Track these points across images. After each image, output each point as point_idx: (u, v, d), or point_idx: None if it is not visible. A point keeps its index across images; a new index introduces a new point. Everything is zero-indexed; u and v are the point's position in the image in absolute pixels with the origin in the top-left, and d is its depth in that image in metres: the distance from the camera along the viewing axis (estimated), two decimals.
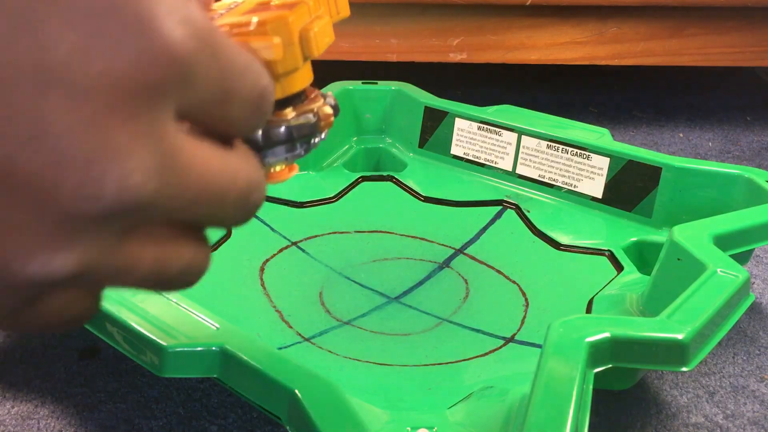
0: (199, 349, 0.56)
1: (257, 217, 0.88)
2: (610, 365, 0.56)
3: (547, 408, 0.49)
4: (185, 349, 0.56)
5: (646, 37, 1.18)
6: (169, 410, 0.69)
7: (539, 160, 0.92)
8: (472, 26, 1.17)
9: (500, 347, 0.71)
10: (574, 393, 0.50)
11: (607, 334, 0.55)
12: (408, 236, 0.87)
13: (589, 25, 1.17)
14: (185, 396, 0.70)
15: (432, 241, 0.86)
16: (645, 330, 0.56)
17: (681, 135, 1.26)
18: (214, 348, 0.56)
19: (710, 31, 1.18)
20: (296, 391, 0.52)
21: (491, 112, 0.97)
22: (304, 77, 0.40)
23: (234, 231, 0.86)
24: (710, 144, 1.24)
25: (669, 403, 0.71)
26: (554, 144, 0.91)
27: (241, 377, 0.56)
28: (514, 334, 0.73)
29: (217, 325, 0.58)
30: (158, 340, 0.56)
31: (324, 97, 0.43)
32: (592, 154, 0.89)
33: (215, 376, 0.57)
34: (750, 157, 1.19)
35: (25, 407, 0.69)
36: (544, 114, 0.97)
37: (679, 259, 0.68)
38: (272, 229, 0.87)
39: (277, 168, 0.41)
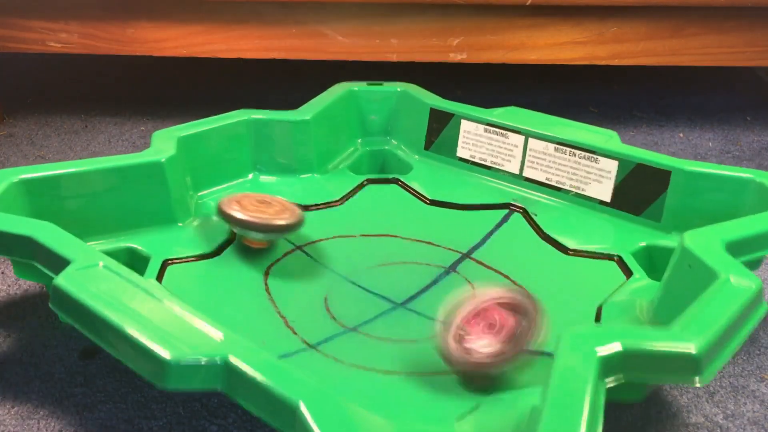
0: (202, 362, 0.55)
1: None
2: (622, 378, 0.56)
3: (558, 422, 0.49)
4: (188, 362, 0.55)
5: (646, 37, 1.18)
6: (169, 410, 0.69)
7: (546, 162, 0.92)
8: (472, 26, 1.17)
9: None
10: (586, 407, 0.50)
11: (618, 347, 0.55)
12: (414, 240, 0.87)
13: (589, 25, 1.17)
14: (185, 396, 0.70)
15: (438, 245, 0.86)
16: (657, 343, 0.56)
17: (681, 135, 1.26)
18: (217, 360, 0.55)
19: (710, 31, 1.18)
20: (301, 404, 0.52)
21: (497, 114, 0.97)
22: None
23: (238, 235, 0.85)
24: (710, 144, 1.24)
25: (669, 403, 0.71)
26: (562, 146, 0.91)
27: (245, 390, 0.55)
28: None
29: (221, 335, 0.57)
30: (161, 353, 0.55)
31: None
32: (600, 157, 0.89)
33: (219, 389, 0.56)
34: (750, 157, 1.19)
35: (25, 407, 0.69)
36: (551, 116, 0.97)
37: (690, 266, 0.68)
38: None
39: None
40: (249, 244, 0.82)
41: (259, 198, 0.83)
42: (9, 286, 0.85)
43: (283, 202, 0.84)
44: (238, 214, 0.79)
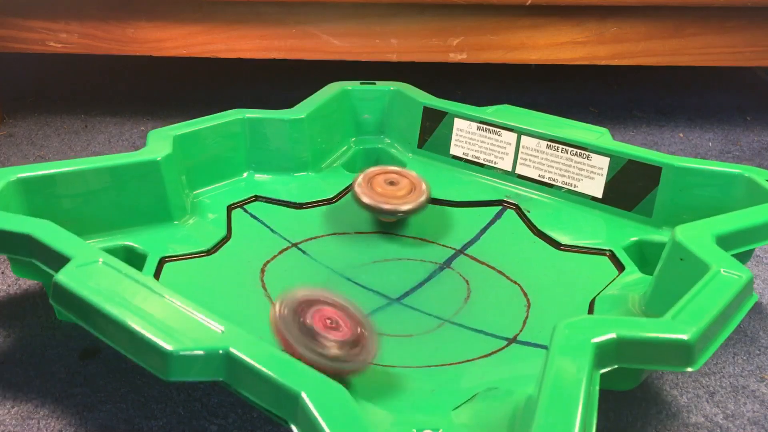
0: (204, 352, 0.56)
1: (257, 219, 0.88)
2: (616, 366, 0.56)
3: (554, 410, 0.49)
4: (191, 353, 0.56)
5: (646, 37, 1.18)
6: (169, 410, 0.69)
7: (539, 160, 0.92)
8: (472, 26, 1.17)
9: (503, 348, 0.71)
10: (582, 394, 0.50)
11: (613, 335, 0.55)
12: (408, 237, 0.87)
13: (589, 25, 1.17)
14: (185, 396, 0.70)
15: (432, 242, 0.86)
16: (650, 331, 0.56)
17: (681, 135, 1.26)
18: (219, 351, 0.56)
19: (710, 31, 1.18)
20: (303, 394, 0.52)
21: (490, 112, 0.97)
22: None
23: (234, 233, 0.86)
24: (710, 144, 1.24)
25: (669, 403, 0.71)
26: (554, 144, 0.91)
27: (247, 380, 0.55)
28: (517, 335, 0.72)
29: (222, 328, 0.58)
30: (163, 345, 0.56)
31: None
32: (591, 154, 0.89)
33: (221, 379, 0.56)
34: (750, 157, 1.19)
35: (25, 407, 0.69)
36: (543, 114, 0.97)
37: (681, 259, 0.68)
38: (272, 230, 0.87)
39: None
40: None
41: (388, 178, 0.89)
42: (9, 285, 0.85)
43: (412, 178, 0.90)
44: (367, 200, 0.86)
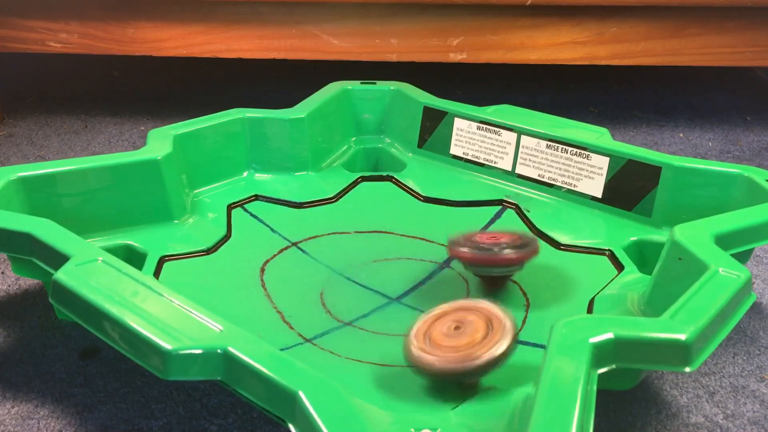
0: (203, 351, 0.56)
1: (257, 218, 0.88)
2: (614, 366, 0.56)
3: (552, 409, 0.49)
4: (189, 352, 0.56)
5: (646, 37, 1.18)
6: (169, 410, 0.69)
7: (539, 159, 0.92)
8: (472, 26, 1.17)
9: None
10: (579, 394, 0.50)
11: (610, 335, 0.55)
12: (408, 236, 0.87)
13: (589, 25, 1.17)
14: (185, 396, 0.70)
15: (432, 241, 0.86)
16: (648, 330, 0.56)
17: (681, 135, 1.26)
18: (218, 350, 0.56)
19: (710, 31, 1.18)
20: (300, 393, 0.52)
21: (490, 111, 0.97)
22: None
23: (234, 232, 0.86)
24: (710, 144, 1.24)
25: (669, 403, 0.71)
26: (554, 144, 0.91)
27: (245, 379, 0.55)
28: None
29: (221, 327, 0.58)
30: (162, 344, 0.56)
31: None
32: (591, 154, 0.89)
33: (219, 378, 0.56)
34: (750, 157, 1.19)
35: (25, 407, 0.69)
36: (543, 113, 0.97)
37: (680, 259, 0.68)
38: (272, 229, 0.87)
39: None
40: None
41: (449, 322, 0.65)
42: (9, 285, 0.85)
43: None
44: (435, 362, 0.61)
